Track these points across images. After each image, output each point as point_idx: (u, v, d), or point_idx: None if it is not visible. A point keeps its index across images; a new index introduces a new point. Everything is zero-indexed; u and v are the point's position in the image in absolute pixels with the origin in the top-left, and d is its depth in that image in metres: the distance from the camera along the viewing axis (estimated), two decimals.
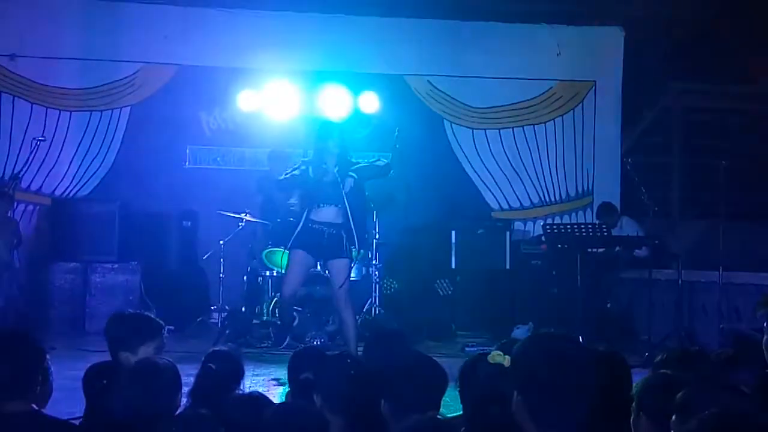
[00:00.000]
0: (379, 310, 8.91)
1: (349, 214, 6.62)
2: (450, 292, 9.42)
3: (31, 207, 9.83)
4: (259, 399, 3.16)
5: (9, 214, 8.71)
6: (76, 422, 3.56)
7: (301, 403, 3.11)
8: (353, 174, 6.66)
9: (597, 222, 9.43)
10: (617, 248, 9.26)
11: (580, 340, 7.26)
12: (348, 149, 6.82)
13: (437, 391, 3.06)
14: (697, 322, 8.41)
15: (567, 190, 10.71)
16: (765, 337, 3.07)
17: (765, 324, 3.09)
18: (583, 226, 9.05)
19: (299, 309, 8.03)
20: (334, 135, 6.71)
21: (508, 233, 9.71)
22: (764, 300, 3.16)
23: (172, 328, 6.89)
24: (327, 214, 6.67)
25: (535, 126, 10.68)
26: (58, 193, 9.94)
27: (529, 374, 2.23)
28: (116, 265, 9.25)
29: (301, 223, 6.68)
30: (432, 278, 9.50)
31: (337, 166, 6.62)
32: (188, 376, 3.49)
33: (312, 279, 7.80)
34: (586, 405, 2.22)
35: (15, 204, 9.04)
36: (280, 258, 8.39)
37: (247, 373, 6.05)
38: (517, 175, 10.63)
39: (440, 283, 9.44)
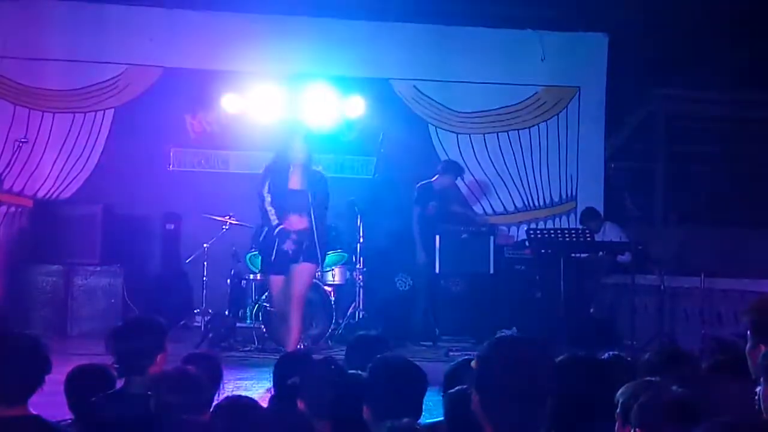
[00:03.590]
0: (362, 314, 8.90)
1: (314, 225, 6.81)
2: (459, 289, 9.41)
3: (12, 209, 9.75)
4: (246, 403, 3.15)
5: None
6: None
7: (288, 407, 3.11)
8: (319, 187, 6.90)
9: (580, 227, 9.47)
10: (600, 253, 9.30)
11: (553, 343, 7.30)
12: (312, 159, 6.98)
13: (416, 395, 3.05)
14: (679, 328, 8.45)
15: (551, 195, 10.74)
16: (748, 345, 3.08)
17: (748, 332, 3.10)
18: (566, 231, 9.09)
19: None
20: (299, 142, 6.92)
21: (492, 238, 9.72)
22: (750, 308, 3.16)
23: None
24: (293, 222, 6.84)
25: (520, 131, 10.70)
26: (40, 195, 9.87)
27: (487, 374, 2.27)
28: (99, 268, 9.19)
29: (275, 244, 6.82)
30: (418, 282, 9.48)
31: (304, 175, 6.83)
32: None
33: None
34: (544, 408, 2.25)
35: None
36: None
37: (230, 377, 6.06)
38: (501, 179, 10.65)
39: (453, 281, 9.44)
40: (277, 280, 6.93)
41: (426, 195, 9.08)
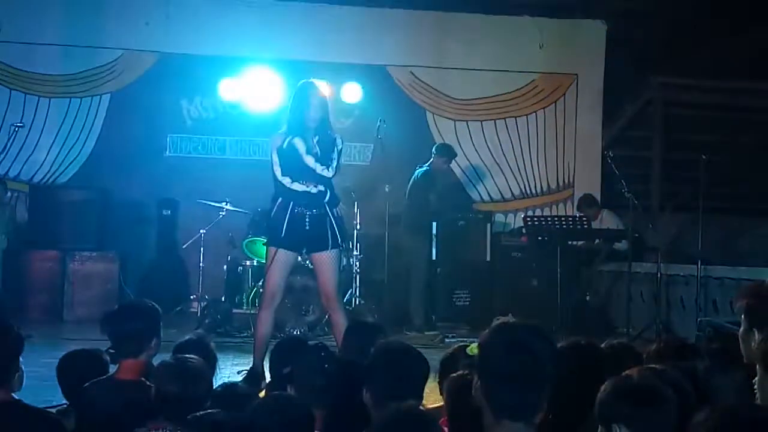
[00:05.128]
0: (359, 301, 8.91)
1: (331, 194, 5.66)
2: (468, 303, 9.41)
3: (9, 194, 9.72)
4: (242, 390, 3.15)
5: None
6: (53, 410, 3.54)
7: (287, 394, 3.10)
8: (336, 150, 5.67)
9: (577, 215, 9.48)
10: (597, 241, 9.31)
11: (550, 330, 7.31)
12: (328, 119, 5.74)
13: (419, 380, 3.06)
14: (675, 315, 8.48)
15: (548, 183, 10.73)
16: (741, 329, 3.10)
17: (742, 316, 3.12)
18: (563, 219, 9.10)
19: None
20: (314, 99, 5.65)
21: (489, 225, 9.73)
22: (743, 293, 3.18)
23: None
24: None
25: (517, 118, 10.69)
26: (36, 180, 9.86)
27: (488, 360, 2.29)
28: (95, 254, 9.18)
29: (288, 214, 5.58)
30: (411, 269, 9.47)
31: (318, 136, 5.61)
32: None
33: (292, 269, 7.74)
34: (544, 393, 2.26)
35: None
36: (260, 248, 8.38)
37: (226, 363, 6.06)
38: (499, 167, 10.64)
39: (458, 294, 9.45)
40: (282, 256, 5.63)
41: (428, 184, 9.01)
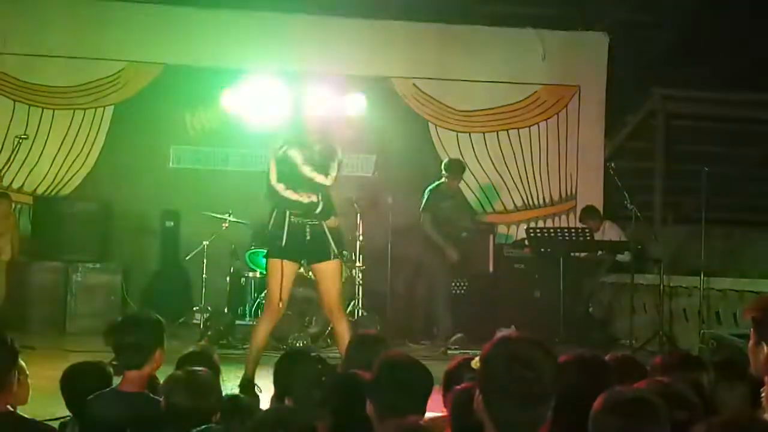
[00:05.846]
0: (362, 312, 8.90)
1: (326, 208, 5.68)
2: (463, 291, 9.40)
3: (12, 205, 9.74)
4: (245, 402, 3.15)
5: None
6: (56, 423, 3.55)
7: (290, 407, 3.10)
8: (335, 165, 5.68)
9: (580, 226, 9.48)
10: (600, 252, 9.30)
11: (553, 342, 7.30)
12: (329, 130, 5.82)
13: (423, 394, 3.06)
14: (678, 327, 8.48)
15: (550, 194, 10.73)
16: (750, 343, 3.09)
17: (751, 329, 3.11)
18: (566, 230, 9.10)
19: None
20: (314, 123, 5.80)
21: (491, 237, 9.73)
22: (751, 306, 3.17)
23: None
24: None
25: (520, 130, 10.70)
26: (39, 191, 9.87)
27: (489, 374, 2.28)
28: (98, 265, 9.20)
29: (286, 223, 5.60)
30: (413, 281, 9.48)
31: (319, 145, 5.66)
32: None
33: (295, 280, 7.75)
34: (547, 408, 2.25)
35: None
36: (263, 259, 8.39)
37: (229, 375, 6.05)
38: (501, 178, 10.65)
39: (457, 282, 9.44)
40: (284, 266, 5.62)
41: (438, 198, 8.98)
